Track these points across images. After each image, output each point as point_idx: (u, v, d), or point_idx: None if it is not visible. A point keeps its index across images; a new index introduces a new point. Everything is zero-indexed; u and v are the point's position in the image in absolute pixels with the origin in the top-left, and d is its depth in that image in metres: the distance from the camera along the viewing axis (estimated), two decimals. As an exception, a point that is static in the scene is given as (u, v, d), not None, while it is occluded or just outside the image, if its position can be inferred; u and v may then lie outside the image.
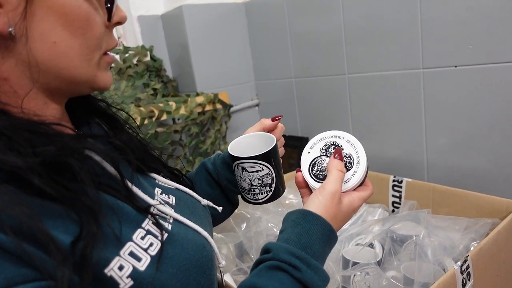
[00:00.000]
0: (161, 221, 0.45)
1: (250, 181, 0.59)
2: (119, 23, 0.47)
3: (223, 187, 0.68)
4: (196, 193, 0.61)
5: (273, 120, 0.65)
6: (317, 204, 0.50)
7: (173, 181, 0.58)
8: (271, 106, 1.54)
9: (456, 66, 0.91)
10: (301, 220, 0.49)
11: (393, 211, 1.02)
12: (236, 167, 0.59)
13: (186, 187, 0.60)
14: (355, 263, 0.72)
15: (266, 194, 0.60)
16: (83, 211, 0.36)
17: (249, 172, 0.58)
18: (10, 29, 0.37)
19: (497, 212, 0.79)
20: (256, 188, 0.59)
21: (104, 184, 0.42)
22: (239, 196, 0.65)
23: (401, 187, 0.99)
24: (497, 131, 0.88)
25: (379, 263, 0.75)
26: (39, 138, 0.37)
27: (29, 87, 0.40)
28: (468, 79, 0.90)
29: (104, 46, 0.45)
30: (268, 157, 0.58)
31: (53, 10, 0.39)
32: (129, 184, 0.45)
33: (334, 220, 0.50)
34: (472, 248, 0.71)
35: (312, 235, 0.47)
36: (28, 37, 0.38)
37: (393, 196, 1.01)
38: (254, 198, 0.61)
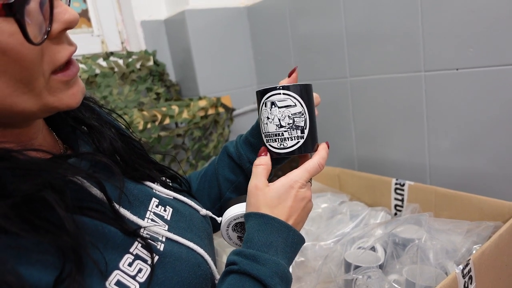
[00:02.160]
0: (151, 242, 0.42)
1: (279, 120, 0.50)
2: (67, 28, 0.37)
3: (246, 170, 0.60)
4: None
5: (289, 75, 0.56)
6: (255, 202, 0.49)
7: (171, 187, 0.55)
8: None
9: (457, 69, 0.91)
10: (246, 223, 0.49)
11: (395, 214, 1.02)
12: (264, 105, 0.50)
13: (185, 192, 0.57)
14: (357, 267, 0.72)
15: (296, 141, 0.51)
16: (64, 251, 0.32)
17: (279, 107, 0.49)
18: None
19: (499, 215, 0.79)
20: (285, 131, 0.50)
21: (88, 208, 0.38)
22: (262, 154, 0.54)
23: (403, 190, 0.99)
24: (499, 133, 0.88)
25: (381, 266, 0.75)
26: (9, 173, 0.33)
27: None
28: (470, 82, 0.90)
29: (48, 67, 0.36)
30: (303, 91, 0.50)
31: None
32: (116, 206, 0.41)
33: (268, 207, 0.48)
34: (474, 252, 0.71)
35: (249, 230, 0.47)
36: None
37: (396, 199, 1.01)
38: (281, 145, 0.51)
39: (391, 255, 0.77)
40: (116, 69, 1.34)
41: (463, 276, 0.60)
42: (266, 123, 0.51)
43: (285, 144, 0.51)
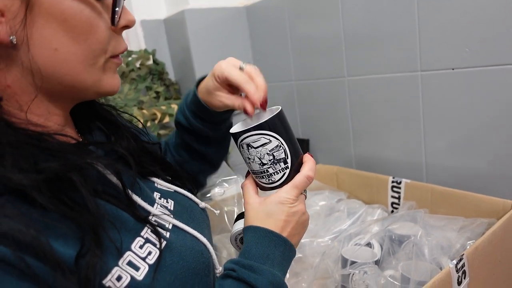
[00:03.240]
0: (159, 229, 0.45)
1: (260, 159, 0.50)
2: (127, 26, 0.45)
3: (199, 129, 0.64)
4: (192, 192, 0.60)
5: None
6: (248, 217, 0.52)
7: (172, 182, 0.57)
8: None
9: (453, 69, 0.93)
10: (244, 237, 0.51)
11: (392, 211, 1.03)
12: (241, 147, 0.51)
13: (188, 191, 0.59)
14: (353, 262, 0.74)
15: (282, 173, 0.51)
16: (85, 228, 0.36)
17: (255, 148, 0.50)
18: (11, 37, 0.37)
19: (494, 212, 0.81)
20: (269, 167, 0.51)
21: (104, 192, 0.42)
22: (258, 189, 0.56)
23: (400, 188, 1.01)
24: (494, 132, 0.90)
25: (377, 262, 0.77)
26: (42, 153, 0.37)
27: (33, 94, 0.40)
28: (465, 81, 0.91)
29: (110, 51, 0.44)
30: (273, 125, 0.49)
31: (53, 17, 0.38)
32: (130, 192, 0.45)
33: (259, 221, 0.50)
34: (468, 247, 0.72)
35: (247, 242, 0.49)
36: (29, 45, 0.38)
37: (392, 197, 1.03)
38: (270, 180, 0.52)
39: (387, 251, 0.79)
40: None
41: (457, 271, 0.61)
42: (249, 163, 0.52)
43: (273, 179, 0.52)
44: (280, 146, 0.50)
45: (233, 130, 0.52)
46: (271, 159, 0.50)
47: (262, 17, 1.46)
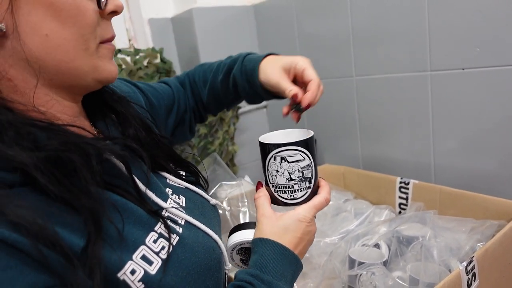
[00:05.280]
0: (172, 225, 0.45)
1: (290, 174, 0.52)
2: (115, 12, 0.45)
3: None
4: (204, 189, 0.60)
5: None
6: (263, 229, 0.51)
7: (183, 177, 0.58)
8: (279, 108, 1.54)
9: (463, 69, 0.92)
10: (256, 248, 0.50)
11: (399, 212, 1.02)
12: (273, 158, 0.52)
13: (201, 187, 0.59)
14: (361, 263, 0.73)
15: (305, 192, 0.53)
16: (85, 212, 0.36)
17: (289, 162, 0.51)
18: (0, 25, 0.37)
19: (504, 214, 0.80)
20: (295, 183, 0.52)
21: (119, 186, 0.42)
22: (270, 201, 0.56)
23: (408, 188, 1.00)
24: (504, 134, 0.88)
25: (385, 263, 0.76)
26: (44, 132, 0.37)
27: (33, 82, 0.40)
28: (476, 81, 0.90)
29: (100, 35, 0.44)
30: (311, 144, 0.52)
31: (40, 2, 0.38)
32: (143, 187, 0.45)
33: (275, 236, 0.50)
34: (477, 249, 0.72)
35: (265, 256, 0.48)
36: (19, 32, 0.38)
37: (400, 197, 1.02)
38: (292, 196, 0.53)
39: (395, 252, 0.78)
40: (123, 66, 1.36)
41: (467, 273, 0.61)
42: (275, 175, 0.53)
43: (295, 196, 0.53)
44: (310, 166, 0.52)
45: (270, 141, 0.53)
46: (300, 176, 0.52)
47: (270, 16, 1.46)
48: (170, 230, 0.44)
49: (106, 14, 0.44)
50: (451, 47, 0.93)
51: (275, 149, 0.51)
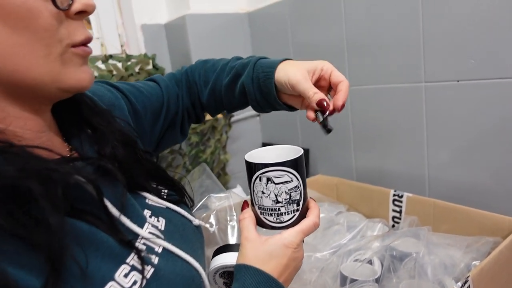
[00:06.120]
0: (147, 254, 0.41)
1: (276, 196, 0.48)
2: (85, 12, 0.40)
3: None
4: (188, 206, 0.56)
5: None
6: (246, 254, 0.48)
7: (164, 197, 0.53)
8: (272, 117, 1.52)
9: (458, 81, 0.90)
10: (237, 275, 0.47)
11: (393, 226, 1.00)
12: (258, 178, 0.49)
13: (186, 206, 0.56)
14: (353, 280, 0.71)
15: (292, 215, 0.49)
16: (43, 249, 0.31)
17: (276, 184, 0.48)
18: None
19: (499, 230, 0.78)
20: (282, 206, 0.49)
21: (89, 213, 0.38)
22: (256, 223, 0.52)
23: (401, 201, 0.98)
24: (500, 147, 0.87)
25: (377, 280, 0.74)
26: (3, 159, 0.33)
27: None
28: (471, 94, 0.89)
29: (67, 39, 0.39)
30: (300, 164, 0.49)
31: None
32: (117, 213, 0.40)
33: (259, 261, 0.46)
34: (472, 268, 0.70)
35: (247, 286, 0.45)
36: None
37: (394, 210, 1.00)
38: (278, 220, 0.50)
39: (388, 268, 0.76)
40: (114, 72, 1.33)
41: (462, 293, 0.58)
42: (261, 197, 0.50)
43: (281, 219, 0.50)
44: (298, 187, 0.49)
45: (256, 159, 0.49)
46: (287, 199, 0.49)
47: (264, 24, 1.45)
48: (144, 262, 0.39)
49: (73, 14, 0.39)
50: (446, 58, 0.92)
51: (261, 169, 0.48)
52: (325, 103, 0.54)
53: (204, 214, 0.75)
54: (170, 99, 0.68)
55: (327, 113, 0.55)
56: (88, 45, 0.42)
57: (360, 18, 1.08)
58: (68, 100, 0.45)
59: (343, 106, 0.55)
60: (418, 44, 0.96)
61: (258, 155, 0.53)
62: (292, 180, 0.48)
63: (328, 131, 0.55)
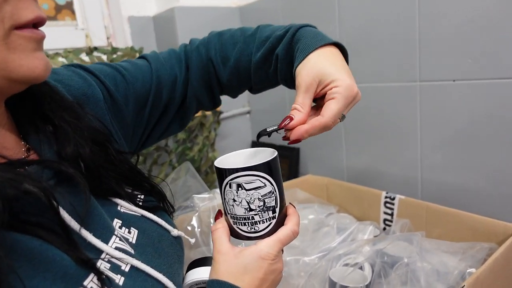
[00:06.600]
0: (111, 274, 0.36)
1: (248, 203, 0.45)
2: None
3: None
4: (168, 213, 0.51)
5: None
6: (218, 269, 0.43)
7: (139, 204, 0.47)
8: (262, 114, 1.49)
9: (454, 80, 0.88)
10: None
11: (384, 229, 0.97)
12: (228, 185, 0.45)
13: (163, 211, 0.50)
14: (342, 286, 0.68)
15: (268, 223, 0.45)
16: None
17: (247, 190, 0.44)
18: None
19: (493, 235, 0.75)
20: (256, 214, 0.45)
21: (42, 227, 0.33)
22: (230, 234, 0.48)
23: (393, 204, 0.95)
24: (495, 149, 0.85)
25: (367, 286, 0.71)
26: None
27: None
28: (467, 94, 0.86)
29: (9, 19, 0.33)
30: (272, 167, 0.45)
31: None
32: (77, 226, 0.35)
33: (232, 276, 0.42)
34: (467, 275, 0.67)
35: None
36: None
37: (385, 213, 0.97)
38: (252, 229, 0.46)
39: (378, 273, 0.73)
40: (99, 65, 1.28)
41: (456, 303, 0.55)
42: (233, 205, 0.45)
43: (256, 228, 0.46)
44: (272, 193, 0.45)
45: (223, 165, 0.45)
46: (261, 206, 0.45)
47: (256, 19, 1.41)
48: (104, 284, 0.33)
49: None
50: (441, 57, 0.89)
51: (230, 174, 0.44)
52: (286, 121, 0.48)
53: (186, 216, 0.71)
54: (161, 84, 0.59)
55: (277, 127, 0.49)
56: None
57: (354, 17, 1.05)
58: (25, 92, 0.39)
59: (293, 141, 0.49)
60: (414, 43, 0.93)
61: (228, 161, 0.49)
62: (265, 185, 0.44)
63: (258, 136, 0.49)
